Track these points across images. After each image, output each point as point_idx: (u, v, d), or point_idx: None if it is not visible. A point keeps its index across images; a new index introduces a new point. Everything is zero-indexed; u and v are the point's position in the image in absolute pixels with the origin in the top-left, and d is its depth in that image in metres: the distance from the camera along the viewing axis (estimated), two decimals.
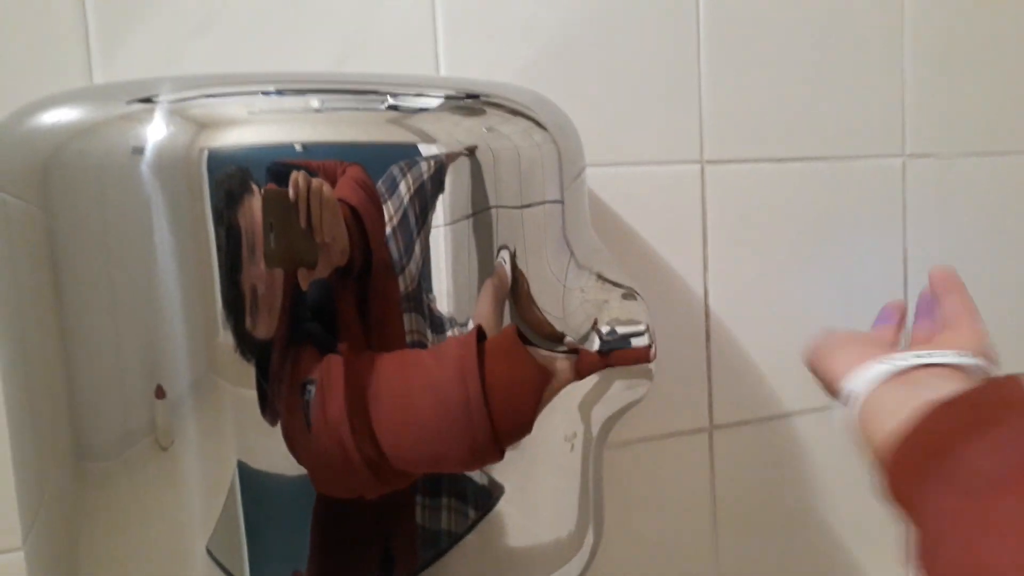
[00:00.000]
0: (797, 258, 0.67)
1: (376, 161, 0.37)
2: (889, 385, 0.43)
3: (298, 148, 0.36)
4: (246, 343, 0.35)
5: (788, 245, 0.67)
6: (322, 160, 0.36)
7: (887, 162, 0.71)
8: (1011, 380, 0.38)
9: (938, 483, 0.33)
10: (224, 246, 0.35)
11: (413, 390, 0.38)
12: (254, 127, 0.36)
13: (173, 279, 0.35)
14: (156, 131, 0.34)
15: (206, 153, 0.34)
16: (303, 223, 0.35)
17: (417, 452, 0.38)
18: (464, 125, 0.39)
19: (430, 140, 0.38)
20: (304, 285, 0.35)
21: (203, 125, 0.35)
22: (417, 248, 0.37)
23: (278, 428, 0.36)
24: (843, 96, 0.68)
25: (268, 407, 0.36)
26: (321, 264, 0.35)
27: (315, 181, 0.35)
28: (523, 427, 0.40)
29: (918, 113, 0.72)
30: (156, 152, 0.34)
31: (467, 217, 0.39)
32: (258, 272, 0.35)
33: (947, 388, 0.39)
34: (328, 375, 0.36)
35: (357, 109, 0.38)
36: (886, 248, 0.72)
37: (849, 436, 0.46)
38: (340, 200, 0.35)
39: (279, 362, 0.36)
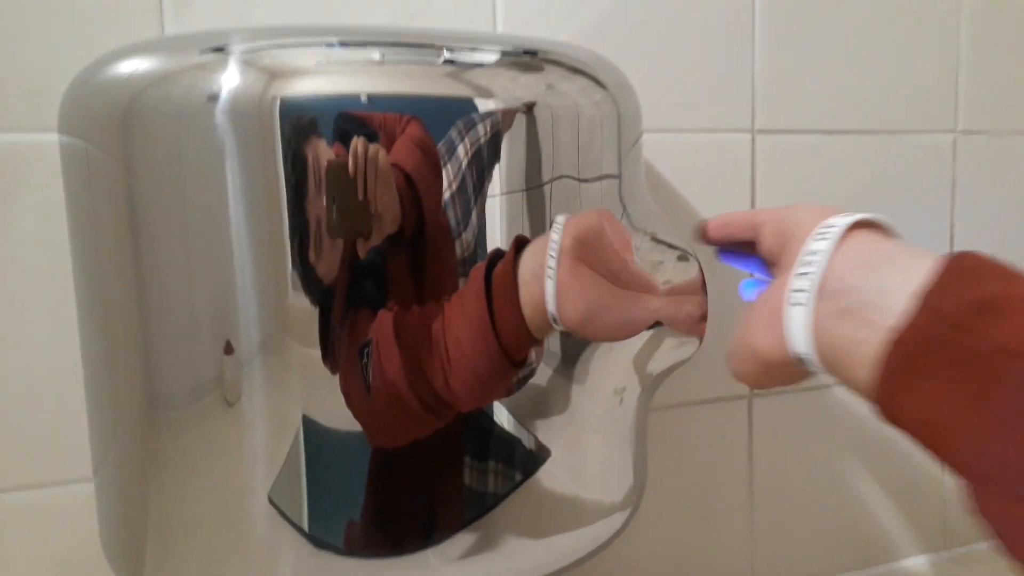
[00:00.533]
0: None
1: (435, 114, 0.38)
2: (822, 322, 0.34)
3: (363, 99, 0.37)
4: (312, 298, 0.37)
5: None
6: (384, 112, 0.37)
7: (939, 137, 0.70)
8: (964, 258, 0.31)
9: (979, 479, 0.28)
10: (294, 193, 0.36)
11: (448, 336, 0.39)
12: (321, 77, 0.37)
13: (244, 227, 0.36)
14: (230, 79, 0.36)
15: (278, 101, 0.35)
16: (360, 195, 0.36)
17: (461, 388, 0.39)
18: (522, 81, 0.40)
19: (487, 95, 0.39)
20: (362, 253, 0.37)
21: (274, 74, 0.36)
22: (474, 215, 0.38)
23: (340, 386, 0.38)
24: (897, 70, 0.68)
25: (331, 364, 0.37)
26: (375, 233, 0.37)
27: (372, 149, 0.36)
28: (527, 343, 0.40)
29: (971, 90, 0.71)
30: (230, 99, 0.35)
31: (523, 190, 0.40)
32: (324, 221, 0.36)
33: (884, 290, 0.32)
34: (382, 337, 0.37)
35: (415, 63, 0.39)
36: (933, 224, 0.71)
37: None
38: (395, 165, 0.37)
39: (339, 322, 0.37)
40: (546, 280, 0.40)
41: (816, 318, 0.34)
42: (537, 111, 0.40)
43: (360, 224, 0.36)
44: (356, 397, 0.38)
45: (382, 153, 0.36)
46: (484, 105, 0.38)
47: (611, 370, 0.43)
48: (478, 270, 0.39)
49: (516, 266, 0.40)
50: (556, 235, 0.40)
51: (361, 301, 0.37)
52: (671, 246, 0.46)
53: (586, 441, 0.44)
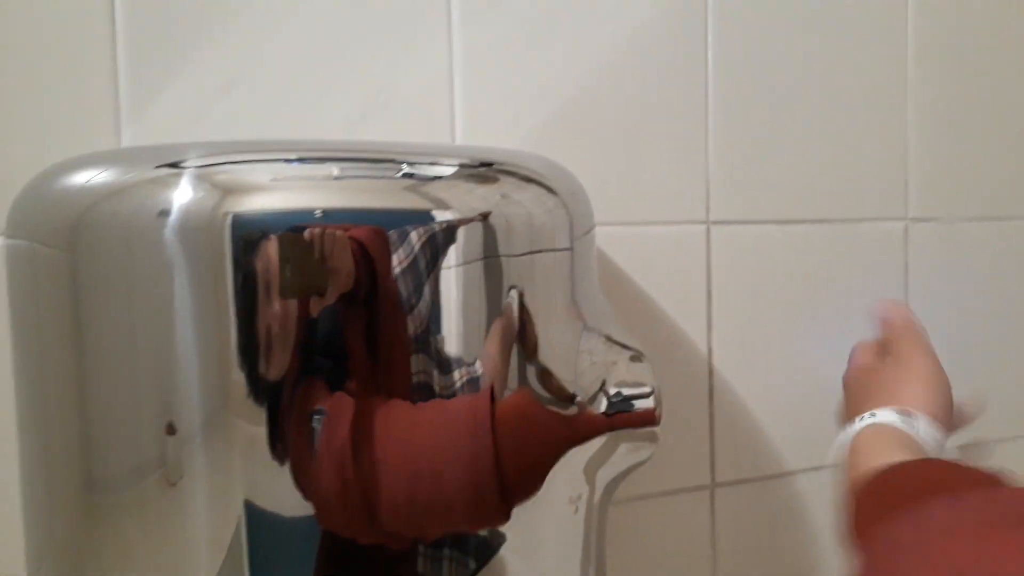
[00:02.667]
0: (800, 319, 0.68)
1: (393, 226, 0.38)
2: (880, 436, 0.48)
3: (318, 214, 0.37)
4: (258, 379, 0.36)
5: (792, 305, 0.68)
6: (339, 224, 0.37)
7: (890, 225, 0.72)
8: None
9: (900, 520, 0.35)
10: (241, 292, 0.36)
11: (418, 429, 0.38)
12: (276, 193, 0.37)
13: (190, 327, 0.36)
14: (182, 195, 0.36)
15: (230, 217, 0.36)
16: (316, 255, 0.36)
17: (418, 497, 0.38)
18: (478, 192, 0.41)
19: (445, 207, 0.39)
20: (315, 312, 0.36)
21: (228, 191, 0.36)
22: (426, 289, 0.38)
23: (286, 467, 0.37)
24: (847, 159, 0.70)
25: (277, 441, 0.37)
26: (330, 291, 0.36)
27: (328, 227, 0.36)
28: (533, 486, 0.41)
29: (921, 176, 0.73)
30: (181, 215, 0.36)
31: (478, 260, 0.40)
32: (272, 311, 0.36)
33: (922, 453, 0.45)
34: (337, 407, 0.37)
35: (374, 177, 0.39)
36: None
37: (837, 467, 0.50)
38: (349, 236, 0.37)
39: (290, 394, 0.37)
40: None
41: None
42: (492, 220, 0.40)
43: (315, 280, 0.36)
44: (303, 474, 0.37)
45: (339, 230, 0.36)
46: (442, 216, 0.39)
47: (564, 478, 0.42)
48: (480, 401, 0.39)
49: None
50: None
51: (313, 371, 0.37)
52: (624, 346, 0.47)
53: (542, 531, 0.44)
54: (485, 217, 0.40)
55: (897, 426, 0.48)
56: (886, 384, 0.53)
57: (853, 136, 0.70)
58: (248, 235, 0.36)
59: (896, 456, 0.44)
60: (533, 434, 0.42)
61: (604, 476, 0.46)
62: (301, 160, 0.38)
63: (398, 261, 0.38)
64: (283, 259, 0.36)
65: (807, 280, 0.68)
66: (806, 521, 0.69)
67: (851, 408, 0.54)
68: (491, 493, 0.39)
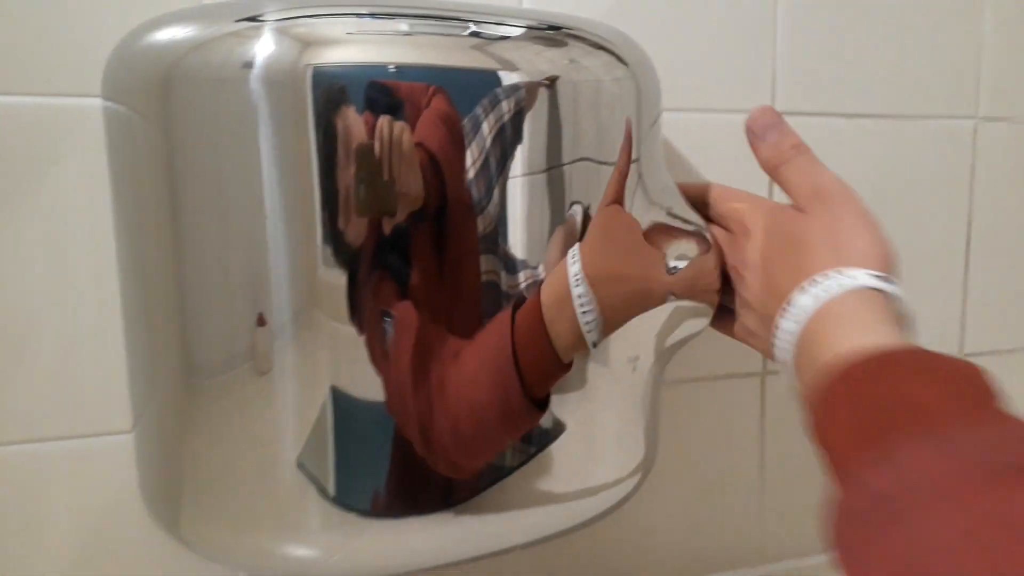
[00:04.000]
0: None
1: (460, 86, 0.39)
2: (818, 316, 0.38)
3: (391, 69, 0.38)
4: (340, 264, 0.38)
5: None
6: (411, 83, 0.38)
7: (959, 123, 0.70)
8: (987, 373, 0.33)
9: (919, 443, 0.29)
10: (324, 158, 0.37)
11: (466, 371, 0.40)
12: (351, 47, 0.38)
13: (276, 192, 0.38)
14: (264, 47, 0.37)
15: (310, 70, 0.37)
16: (385, 175, 0.38)
17: (460, 427, 0.41)
18: (546, 55, 0.41)
19: (512, 68, 0.40)
20: (387, 230, 0.38)
21: (307, 43, 0.37)
22: (495, 194, 0.40)
23: (366, 354, 0.39)
24: (919, 54, 0.68)
25: (356, 324, 0.39)
26: (399, 211, 0.38)
27: (397, 129, 0.38)
28: (551, 366, 0.42)
29: (994, 76, 0.71)
30: (264, 66, 0.37)
31: (544, 171, 0.41)
32: (353, 185, 0.38)
33: (874, 334, 0.35)
34: (402, 320, 0.39)
35: (442, 34, 0.40)
36: (951, 212, 0.71)
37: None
38: (419, 144, 0.38)
39: (363, 287, 0.39)
40: (573, 288, 0.41)
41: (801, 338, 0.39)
42: (559, 85, 0.41)
43: (384, 203, 0.38)
44: (380, 365, 0.40)
45: (407, 134, 0.38)
46: (508, 78, 0.40)
47: (626, 339, 0.44)
48: (503, 313, 0.41)
49: (539, 298, 0.41)
50: (574, 262, 0.42)
51: (385, 271, 0.39)
52: (686, 221, 0.47)
53: (600, 416, 0.46)
54: (552, 82, 0.41)
55: (879, 290, 0.38)
56: (825, 235, 0.41)
57: (926, 30, 0.68)
58: (329, 89, 0.37)
59: (881, 337, 0.35)
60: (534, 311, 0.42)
61: (663, 341, 0.47)
62: (373, 15, 0.39)
63: (471, 161, 0.39)
64: (357, 178, 0.38)
65: (872, 176, 0.67)
66: None
67: (780, 277, 0.41)
68: (521, 404, 0.41)
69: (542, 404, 0.43)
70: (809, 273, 0.39)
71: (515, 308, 0.41)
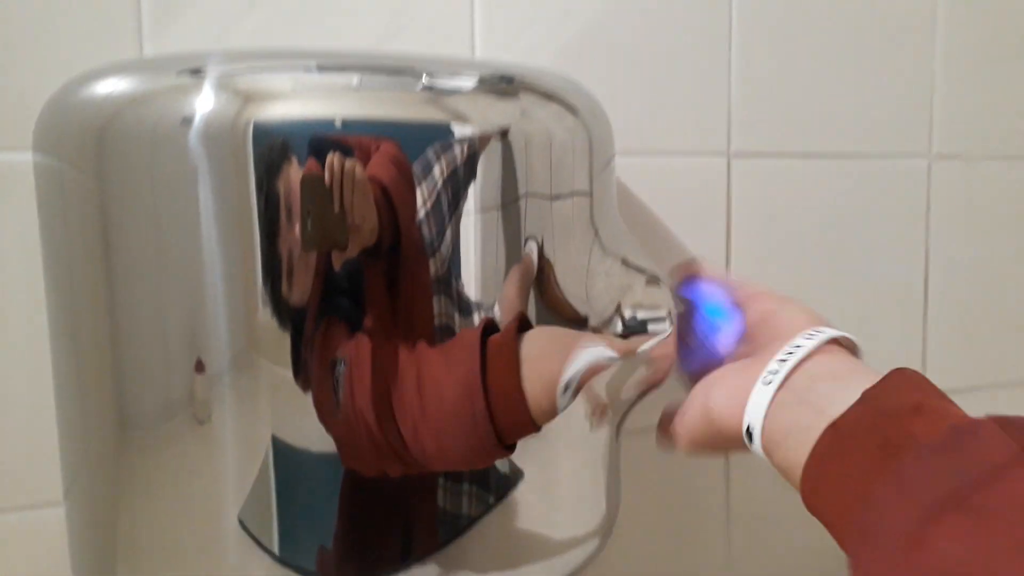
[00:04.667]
0: (819, 254, 0.68)
1: (411, 139, 0.38)
2: (780, 406, 0.38)
3: (337, 124, 0.37)
4: (283, 315, 0.37)
5: (811, 241, 0.67)
6: (359, 136, 0.37)
7: (913, 162, 0.71)
8: (898, 376, 0.35)
9: (860, 538, 0.31)
10: (265, 217, 0.36)
11: (431, 382, 0.39)
12: (297, 101, 0.37)
13: (216, 249, 0.37)
14: (204, 102, 0.36)
15: (251, 125, 0.36)
16: (336, 207, 0.36)
17: (432, 446, 0.39)
18: (498, 107, 0.41)
19: (464, 120, 0.39)
20: (337, 266, 0.37)
21: (249, 98, 0.36)
22: (448, 233, 0.39)
23: (311, 405, 0.38)
24: (872, 93, 0.69)
25: (301, 381, 0.37)
26: (352, 245, 0.37)
27: (348, 163, 0.36)
28: (523, 423, 0.41)
29: (946, 113, 0.72)
30: (204, 122, 0.36)
31: (497, 208, 0.40)
32: (295, 242, 0.37)
33: (841, 391, 0.36)
34: (357, 358, 0.38)
35: (394, 88, 0.39)
36: (909, 249, 0.72)
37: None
38: (371, 178, 0.37)
39: (311, 336, 0.37)
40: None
41: (776, 400, 0.38)
42: (511, 136, 0.40)
43: (336, 235, 0.37)
44: (327, 414, 0.38)
45: (359, 167, 0.37)
46: (460, 130, 0.39)
47: (581, 399, 0.43)
48: (471, 335, 0.39)
49: (519, 342, 0.40)
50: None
51: (335, 314, 0.37)
52: (640, 270, 0.47)
53: (559, 464, 0.45)
54: (504, 133, 0.40)
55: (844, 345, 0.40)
56: (788, 318, 0.43)
57: (878, 70, 0.69)
58: (270, 145, 0.36)
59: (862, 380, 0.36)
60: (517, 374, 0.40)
61: (622, 395, 0.46)
62: (321, 69, 0.38)
63: (422, 200, 0.38)
64: (304, 210, 0.36)
65: (828, 216, 0.68)
66: None
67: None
68: (491, 445, 0.40)
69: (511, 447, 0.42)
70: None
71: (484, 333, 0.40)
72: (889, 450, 0.31)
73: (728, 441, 0.41)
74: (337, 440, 0.38)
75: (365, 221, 0.37)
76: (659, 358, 0.45)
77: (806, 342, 0.39)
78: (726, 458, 0.67)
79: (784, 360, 0.39)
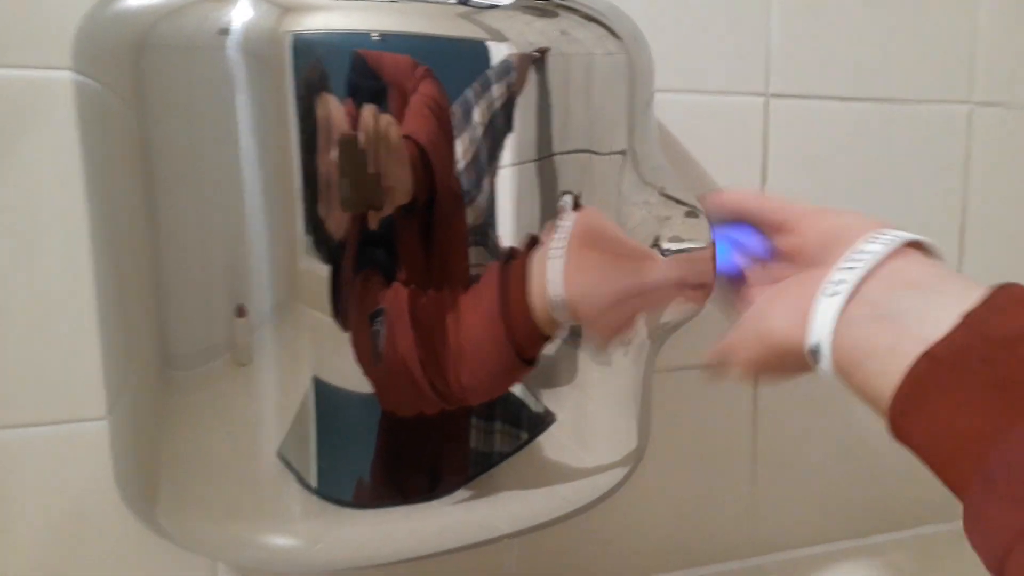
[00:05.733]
0: (854, 199, 0.66)
1: (448, 59, 0.38)
2: (853, 321, 0.33)
3: (375, 37, 0.37)
4: (322, 260, 0.37)
5: (847, 184, 0.66)
6: (396, 59, 0.37)
7: (954, 108, 0.69)
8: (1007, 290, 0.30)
9: (984, 485, 0.27)
10: (303, 134, 0.36)
11: (461, 328, 0.39)
12: (333, 13, 0.37)
13: (255, 171, 0.36)
14: (241, 13, 0.36)
15: (290, 36, 0.35)
16: (371, 168, 0.36)
17: (470, 380, 0.39)
18: (536, 26, 0.40)
19: (501, 38, 0.38)
20: (373, 224, 0.37)
21: (286, 8, 0.36)
22: (485, 183, 0.38)
23: (351, 350, 0.38)
24: (914, 38, 0.67)
25: (341, 325, 0.37)
26: (387, 205, 0.37)
27: (383, 121, 0.36)
28: (533, 335, 0.41)
29: (989, 60, 0.70)
30: (242, 33, 0.35)
31: (534, 160, 0.39)
32: (331, 156, 0.36)
33: (929, 306, 0.31)
34: (396, 309, 0.38)
35: (430, 1, 0.38)
36: (946, 196, 0.71)
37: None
38: (407, 136, 0.36)
39: (349, 287, 0.37)
40: (549, 261, 0.39)
41: (846, 314, 0.33)
42: (550, 58, 0.39)
43: (370, 197, 0.36)
44: (366, 362, 0.38)
45: (393, 129, 0.36)
46: (497, 49, 0.38)
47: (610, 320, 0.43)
48: (494, 265, 0.39)
49: (528, 259, 0.40)
50: (566, 221, 0.40)
51: (372, 266, 0.37)
52: (679, 202, 0.46)
53: (591, 405, 0.44)
54: (542, 54, 0.39)
55: (925, 246, 0.35)
56: (853, 222, 0.38)
57: (922, 14, 0.67)
58: (310, 64, 0.36)
59: (959, 290, 0.31)
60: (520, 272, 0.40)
61: (657, 322, 0.46)
62: None
63: (461, 151, 0.38)
64: (340, 171, 0.36)
65: (865, 160, 0.66)
66: (847, 398, 0.69)
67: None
68: (511, 360, 0.40)
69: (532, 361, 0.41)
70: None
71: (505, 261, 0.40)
72: (1010, 388, 0.27)
73: (789, 363, 0.37)
74: (377, 385, 0.38)
75: (399, 184, 0.37)
76: (695, 286, 0.45)
77: (873, 246, 0.34)
78: (754, 401, 0.66)
79: (851, 268, 0.33)
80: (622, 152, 0.44)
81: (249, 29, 0.35)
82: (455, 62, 0.38)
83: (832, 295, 0.34)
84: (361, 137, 0.36)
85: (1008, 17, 0.70)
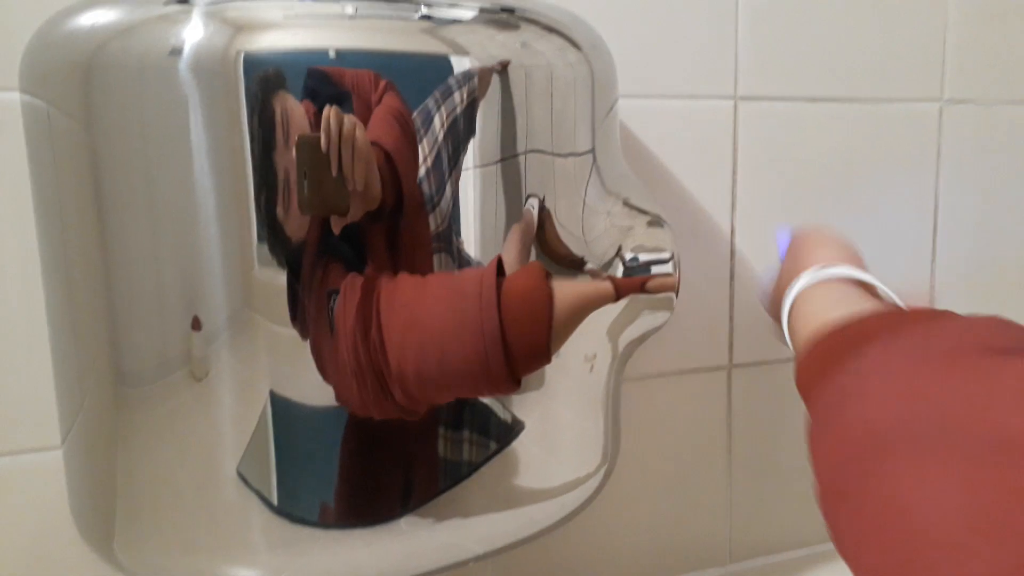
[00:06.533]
0: (826, 200, 0.67)
1: (408, 73, 0.37)
2: (818, 289, 0.44)
3: (331, 55, 0.36)
4: (279, 272, 0.36)
5: (818, 186, 0.66)
6: (356, 71, 0.36)
7: (924, 106, 0.69)
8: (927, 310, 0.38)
9: (840, 371, 0.34)
10: (258, 151, 0.35)
11: (424, 301, 0.38)
12: (289, 31, 0.36)
13: (209, 191, 0.35)
14: (193, 32, 0.35)
15: (242, 56, 0.34)
16: (335, 171, 0.35)
17: (425, 366, 0.38)
18: (498, 39, 0.39)
19: (463, 52, 0.38)
20: (336, 230, 0.36)
21: (239, 27, 0.35)
22: (448, 188, 0.38)
23: (310, 363, 0.37)
24: (883, 37, 0.67)
25: (299, 329, 0.37)
26: (353, 209, 0.36)
27: (347, 124, 0.35)
28: (538, 354, 0.41)
29: (959, 58, 0.70)
30: (194, 53, 0.35)
31: (497, 162, 0.39)
32: (291, 199, 0.35)
33: (868, 304, 0.41)
34: (350, 284, 0.37)
35: (390, 17, 0.38)
36: (918, 194, 0.71)
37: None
38: (374, 143, 0.36)
39: (308, 291, 0.36)
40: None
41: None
42: (511, 70, 0.39)
43: (336, 201, 0.36)
44: (324, 356, 0.37)
45: (360, 131, 0.35)
46: (459, 63, 0.38)
47: (582, 337, 0.42)
48: (487, 276, 0.39)
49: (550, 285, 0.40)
50: None
51: (332, 263, 0.37)
52: (642, 211, 0.46)
53: (559, 413, 0.44)
54: (504, 67, 0.39)
55: (846, 276, 0.44)
56: (811, 250, 0.48)
57: (890, 13, 0.67)
58: (262, 78, 0.35)
59: (845, 306, 0.41)
60: (539, 298, 0.41)
61: (621, 338, 0.45)
62: None
63: (423, 156, 0.37)
64: (301, 174, 0.35)
65: (836, 161, 0.66)
66: None
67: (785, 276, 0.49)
68: (498, 364, 0.39)
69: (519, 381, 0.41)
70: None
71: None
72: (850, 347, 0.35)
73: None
74: (333, 381, 0.38)
75: (369, 188, 0.36)
76: (661, 300, 0.44)
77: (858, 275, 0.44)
78: (728, 408, 0.66)
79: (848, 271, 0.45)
80: (586, 156, 0.43)
81: (200, 49, 0.35)
82: (417, 76, 0.38)
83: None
84: (322, 139, 0.35)
85: (977, 14, 0.70)
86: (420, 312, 0.38)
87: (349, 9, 0.37)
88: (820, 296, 0.44)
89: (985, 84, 0.71)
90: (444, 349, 0.38)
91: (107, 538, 0.40)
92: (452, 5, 0.39)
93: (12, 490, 0.49)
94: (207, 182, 0.36)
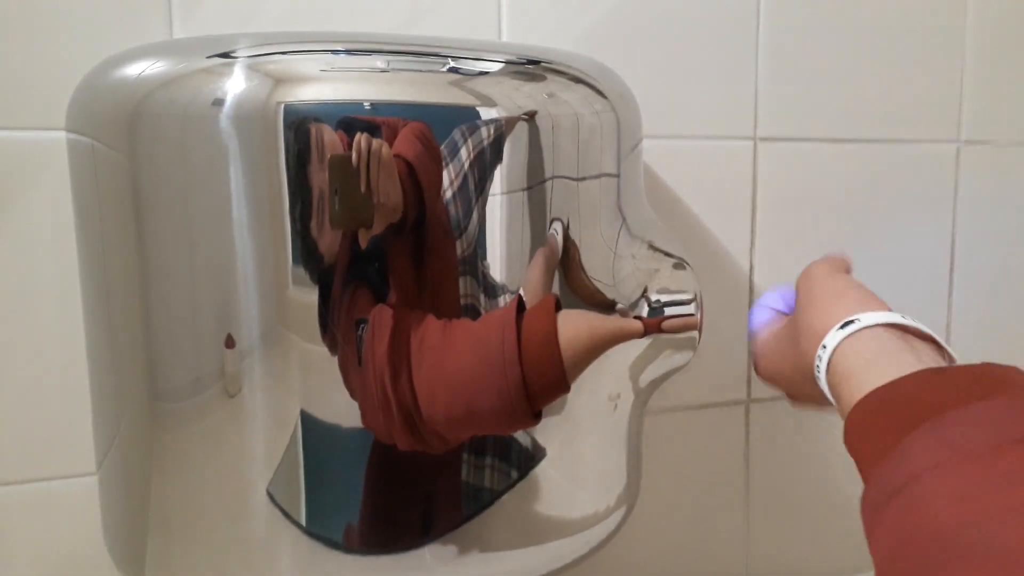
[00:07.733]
0: (844, 239, 0.67)
1: (438, 122, 0.38)
2: (868, 338, 0.41)
3: (366, 106, 0.37)
4: (311, 292, 0.37)
5: (836, 225, 0.67)
6: (387, 117, 0.37)
7: (942, 147, 0.70)
8: (1004, 366, 0.36)
9: (923, 433, 0.32)
10: (295, 198, 0.37)
11: (454, 346, 0.39)
12: (326, 84, 0.37)
13: (246, 229, 0.37)
14: (235, 84, 0.36)
15: (282, 107, 0.36)
16: (363, 186, 0.37)
17: (451, 408, 0.40)
18: (524, 90, 0.41)
19: (490, 103, 0.39)
20: (363, 243, 0.37)
21: (279, 80, 0.37)
22: (475, 214, 0.39)
23: (340, 383, 0.38)
24: (901, 79, 0.68)
25: (328, 348, 0.38)
26: (377, 223, 0.37)
27: (375, 142, 0.37)
28: (556, 385, 0.41)
29: (976, 100, 0.71)
30: (235, 104, 0.36)
31: (524, 189, 0.40)
32: (324, 222, 0.37)
33: (929, 355, 0.39)
34: (379, 318, 0.38)
35: (420, 71, 0.39)
36: (935, 234, 0.71)
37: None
38: (396, 155, 0.37)
39: (338, 310, 0.38)
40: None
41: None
42: (538, 119, 0.40)
43: (362, 214, 0.37)
44: (351, 377, 0.39)
45: (385, 147, 0.37)
46: (487, 113, 0.39)
47: (606, 377, 0.43)
48: (507, 326, 0.40)
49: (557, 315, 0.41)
50: None
51: (361, 284, 0.38)
52: (667, 254, 0.47)
53: (581, 441, 0.45)
54: (531, 116, 0.40)
55: (891, 323, 0.41)
56: (839, 294, 0.45)
57: (908, 55, 0.68)
58: (300, 127, 0.36)
59: (896, 364, 0.38)
60: (552, 330, 0.41)
61: (643, 378, 0.46)
62: (349, 52, 0.38)
63: (449, 181, 0.38)
64: (332, 189, 0.36)
65: (854, 201, 0.67)
66: (839, 441, 0.69)
67: (809, 330, 0.44)
68: (522, 407, 0.40)
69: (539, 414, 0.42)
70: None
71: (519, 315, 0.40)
72: (977, 392, 0.34)
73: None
74: (359, 402, 0.39)
75: (389, 199, 0.37)
76: (684, 340, 0.45)
77: (913, 322, 0.42)
78: (746, 442, 0.67)
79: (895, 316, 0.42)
80: (612, 201, 0.44)
81: (241, 100, 0.36)
82: (446, 124, 0.39)
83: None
84: (353, 155, 0.36)
85: (994, 58, 0.71)
86: (448, 361, 0.39)
87: (381, 63, 0.38)
88: (864, 348, 0.40)
89: (1002, 126, 0.72)
90: (472, 397, 0.40)
91: (139, 564, 0.41)
92: (479, 58, 0.40)
93: (45, 516, 0.50)
94: (245, 224, 0.37)
